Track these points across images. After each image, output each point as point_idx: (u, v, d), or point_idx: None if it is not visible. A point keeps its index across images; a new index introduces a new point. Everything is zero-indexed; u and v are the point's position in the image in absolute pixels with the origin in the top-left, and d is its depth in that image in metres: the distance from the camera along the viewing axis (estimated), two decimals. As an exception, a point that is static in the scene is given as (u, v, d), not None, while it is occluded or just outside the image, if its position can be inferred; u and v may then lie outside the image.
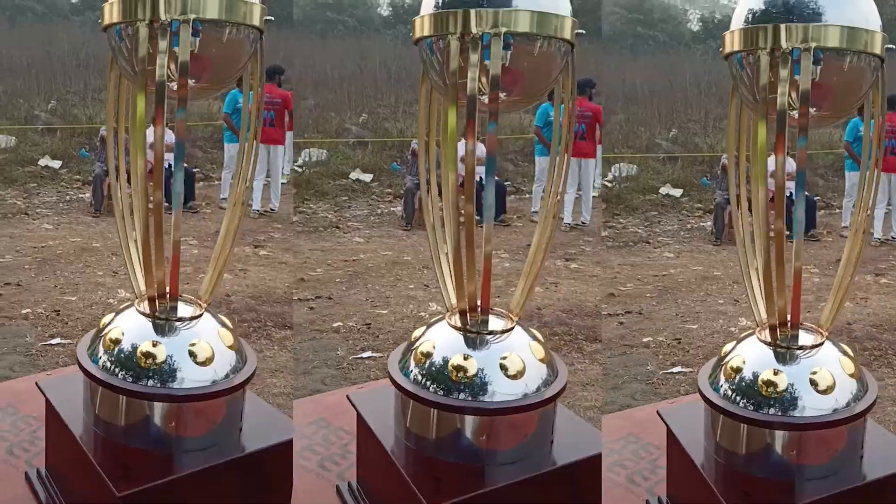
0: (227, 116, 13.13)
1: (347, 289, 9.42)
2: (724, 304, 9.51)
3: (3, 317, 7.90)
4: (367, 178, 14.80)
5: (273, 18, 3.64)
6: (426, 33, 3.60)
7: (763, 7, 3.51)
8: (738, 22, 3.58)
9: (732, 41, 3.59)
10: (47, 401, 4.01)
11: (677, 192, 15.04)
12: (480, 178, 12.29)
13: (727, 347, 4.05)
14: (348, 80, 17.65)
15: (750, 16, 3.54)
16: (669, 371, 7.44)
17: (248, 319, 7.95)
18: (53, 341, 7.24)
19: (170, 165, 12.58)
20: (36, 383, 4.12)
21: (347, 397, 4.38)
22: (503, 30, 3.49)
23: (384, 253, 11.09)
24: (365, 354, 7.47)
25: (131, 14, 3.44)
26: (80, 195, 13.34)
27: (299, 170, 15.12)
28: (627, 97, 17.95)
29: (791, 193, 12.00)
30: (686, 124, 17.33)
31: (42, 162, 14.42)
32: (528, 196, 14.41)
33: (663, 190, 15.10)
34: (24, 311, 8.02)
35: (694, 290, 10.15)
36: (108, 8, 3.55)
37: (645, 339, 8.26)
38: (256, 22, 3.58)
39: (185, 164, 13.28)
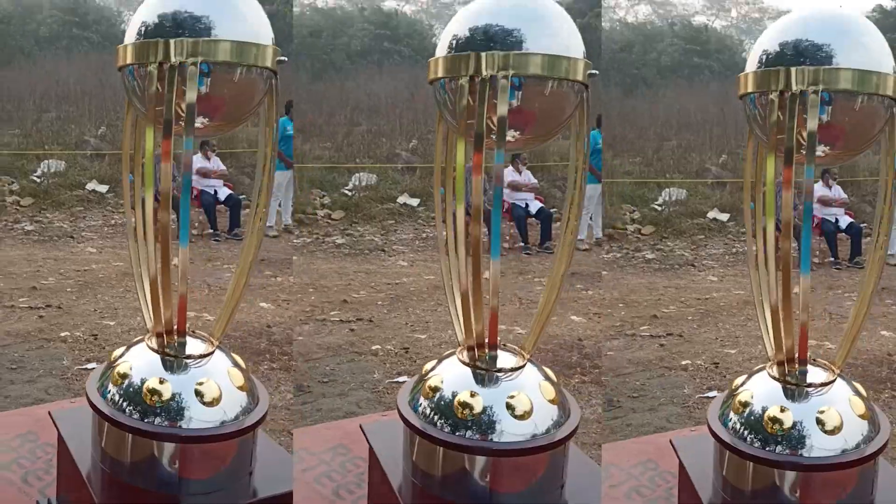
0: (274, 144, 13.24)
1: (388, 312, 9.46)
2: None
3: (42, 339, 7.94)
4: (415, 202, 14.90)
5: (287, 59, 3.71)
6: (440, 74, 3.70)
7: (777, 49, 3.58)
8: (752, 63, 3.65)
9: (746, 83, 3.65)
10: (59, 432, 4.05)
11: (724, 217, 15.07)
12: (526, 203, 12.30)
13: (738, 381, 4.04)
14: (401, 106, 17.77)
15: (764, 57, 3.61)
16: (706, 395, 7.43)
17: (289, 352, 7.97)
18: (89, 366, 7.27)
19: (215, 191, 12.63)
20: (49, 413, 4.16)
21: (360, 427, 4.41)
22: (511, 73, 3.55)
23: (427, 277, 11.14)
24: (401, 378, 7.48)
25: (144, 56, 3.56)
26: (126, 220, 13.32)
27: (349, 193, 15.23)
28: (681, 124, 18.04)
29: (837, 220, 11.86)
30: (736, 150, 17.30)
31: (89, 186, 14.59)
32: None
33: (711, 214, 15.14)
34: (62, 334, 8.07)
35: (735, 315, 10.15)
36: (121, 50, 3.67)
37: (683, 362, 8.26)
38: (269, 63, 3.68)
39: (232, 192, 13.47)
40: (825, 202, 13.79)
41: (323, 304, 9.70)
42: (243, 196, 14.00)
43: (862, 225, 14.12)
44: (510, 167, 14.11)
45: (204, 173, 13.62)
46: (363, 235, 13.82)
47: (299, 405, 6.81)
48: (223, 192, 13.49)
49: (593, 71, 3.70)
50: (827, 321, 9.95)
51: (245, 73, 3.63)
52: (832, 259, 13.62)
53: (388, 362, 7.93)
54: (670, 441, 4.48)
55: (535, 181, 14.42)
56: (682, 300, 10.82)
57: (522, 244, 13.46)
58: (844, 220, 13.98)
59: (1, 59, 18.59)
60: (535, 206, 13.86)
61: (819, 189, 14.03)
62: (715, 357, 8.47)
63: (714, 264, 12.97)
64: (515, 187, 13.91)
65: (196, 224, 13.27)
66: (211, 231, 13.16)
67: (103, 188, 14.64)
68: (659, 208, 15.61)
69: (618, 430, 6.63)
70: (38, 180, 14.98)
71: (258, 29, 3.67)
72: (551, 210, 14.06)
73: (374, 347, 8.27)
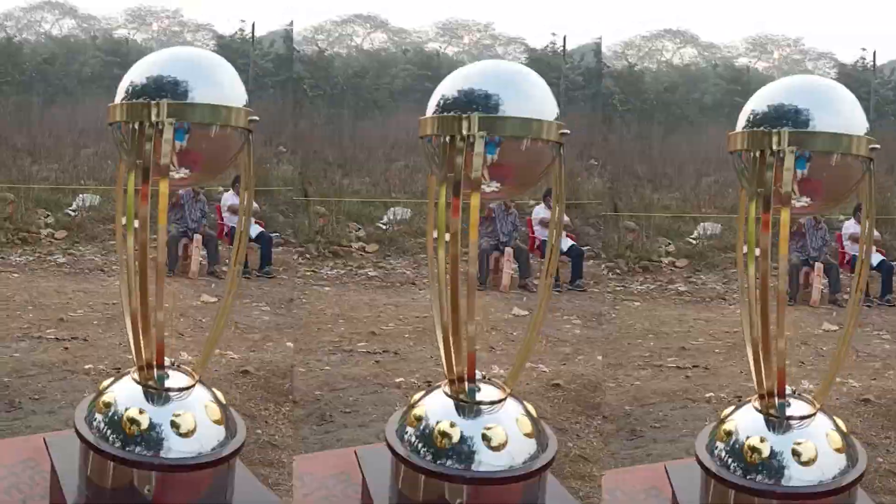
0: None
1: (414, 344, 9.53)
2: (789, 364, 9.39)
3: (66, 370, 8.05)
4: (447, 236, 14.97)
5: (259, 119, 4.08)
6: (428, 132, 4.09)
7: (765, 110, 3.94)
8: (740, 124, 3.99)
9: (735, 141, 3.98)
10: (51, 459, 4.19)
11: (757, 252, 15.10)
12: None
13: (726, 411, 4.26)
14: (439, 143, 18.03)
15: (752, 117, 3.97)
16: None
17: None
18: (108, 399, 7.35)
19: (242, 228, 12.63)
20: (44, 439, 4.29)
21: (354, 452, 4.54)
22: (484, 133, 3.91)
23: (454, 311, 11.18)
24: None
25: (131, 116, 3.99)
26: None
27: (384, 227, 15.37)
28: (720, 161, 18.17)
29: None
30: (771, 188, 17.43)
31: (122, 220, 14.71)
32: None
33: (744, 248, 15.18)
34: (86, 367, 8.17)
35: (762, 349, 10.15)
36: (111, 109, 4.10)
37: (707, 395, 8.30)
38: (242, 123, 4.05)
39: (264, 229, 13.57)
40: (856, 239, 13.78)
41: (351, 336, 9.81)
42: (276, 234, 14.11)
43: (894, 263, 14.08)
44: (542, 204, 14.19)
45: (234, 210, 13.76)
46: (395, 268, 13.95)
47: (322, 434, 6.90)
48: (254, 230, 13.54)
49: (565, 130, 4.04)
50: (854, 357, 9.93)
51: (219, 130, 4.01)
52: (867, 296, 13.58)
53: (409, 395, 7.98)
54: (664, 467, 4.59)
55: (567, 219, 14.47)
56: (711, 333, 10.87)
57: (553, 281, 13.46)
58: (876, 258, 13.92)
59: (45, 98, 18.96)
60: (565, 243, 13.86)
61: (851, 226, 14.04)
62: (738, 390, 8.50)
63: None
64: (546, 224, 13.99)
65: (226, 261, 13.40)
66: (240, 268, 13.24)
67: (136, 222, 14.76)
68: (693, 242, 15.70)
69: (638, 459, 6.70)
70: (73, 214, 15.20)
71: (231, 92, 4.08)
72: (583, 248, 14.11)
73: (398, 380, 8.35)
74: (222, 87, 4.05)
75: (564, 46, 20.39)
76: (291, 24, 19.68)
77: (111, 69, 18.58)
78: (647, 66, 22.24)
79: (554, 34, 20.74)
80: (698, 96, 21.99)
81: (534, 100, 4.05)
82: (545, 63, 20.72)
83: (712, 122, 19.88)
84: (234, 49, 20.93)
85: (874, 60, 21.92)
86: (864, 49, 22.38)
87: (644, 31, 22.16)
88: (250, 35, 20.36)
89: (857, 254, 13.57)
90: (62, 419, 6.89)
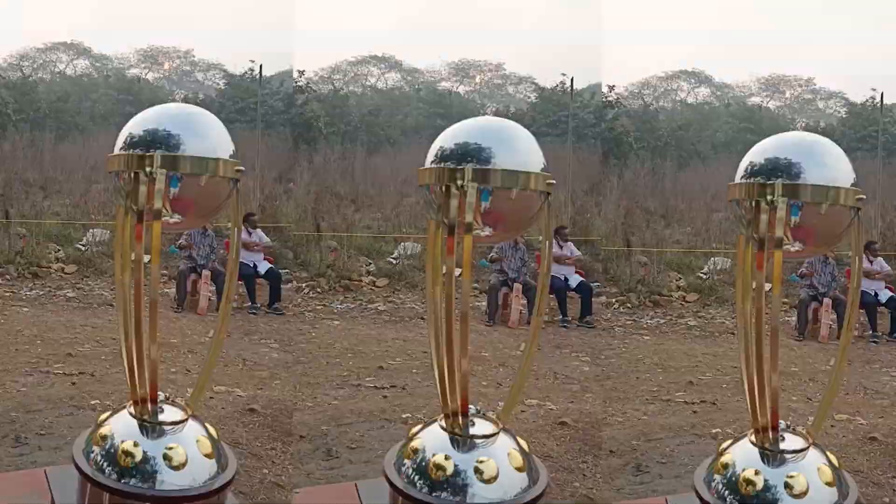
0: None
1: (422, 380, 9.53)
2: (796, 400, 9.49)
3: (72, 405, 8.07)
4: (456, 272, 15.04)
5: (244, 169, 4.35)
6: (426, 181, 4.30)
7: (762, 163, 4.14)
8: (740, 173, 4.20)
9: (734, 191, 4.20)
10: (51, 492, 4.26)
11: (767, 287, 15.14)
12: (566, 277, 12.36)
13: (724, 445, 4.40)
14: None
15: (749, 168, 4.16)
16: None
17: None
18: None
19: (254, 265, 12.76)
20: (44, 471, 4.36)
21: (355, 485, 4.60)
22: (475, 185, 4.15)
23: (463, 346, 11.20)
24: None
25: (127, 166, 4.25)
26: (165, 290, 13.59)
27: (394, 262, 15.44)
28: (730, 196, 18.40)
29: (876, 293, 11.84)
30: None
31: (132, 255, 14.77)
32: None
33: (754, 283, 15.23)
34: (93, 402, 8.18)
35: (770, 385, 10.15)
36: (110, 159, 4.33)
37: (714, 430, 8.31)
38: (229, 174, 4.32)
39: (273, 266, 13.64)
40: (866, 275, 13.77)
41: (359, 370, 9.85)
42: (285, 270, 14.15)
43: (905, 301, 14.14)
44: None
45: (246, 246, 13.82)
46: (404, 303, 14.02)
47: (327, 469, 6.93)
48: (263, 266, 13.64)
49: (551, 180, 4.29)
50: (862, 395, 9.95)
51: (209, 179, 4.27)
52: (871, 332, 13.62)
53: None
54: (665, 500, 4.65)
55: (580, 253, 14.55)
56: (719, 367, 10.93)
57: (561, 317, 13.53)
58: (885, 294, 13.96)
59: (58, 135, 19.22)
60: (574, 279, 13.92)
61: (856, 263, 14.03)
62: (745, 426, 8.48)
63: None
64: (556, 260, 14.02)
65: (235, 297, 13.40)
66: (249, 304, 13.31)
67: (145, 258, 14.84)
68: (704, 276, 15.78)
69: (643, 495, 6.73)
70: (83, 248, 15.33)
71: (219, 144, 4.33)
72: (592, 283, 14.15)
73: (404, 415, 8.37)
74: (210, 140, 4.31)
75: (572, 86, 20.55)
76: (292, 68, 19.93)
77: (123, 107, 18.86)
78: (663, 104, 22.46)
79: (564, 74, 20.94)
80: (710, 134, 22.22)
81: (521, 153, 4.29)
82: (554, 102, 20.92)
83: (724, 159, 20.08)
84: (244, 88, 21.16)
85: (882, 100, 22.10)
86: (873, 89, 22.56)
87: (660, 72, 22.42)
88: (258, 75, 20.67)
89: (866, 290, 13.66)
90: (68, 455, 6.75)
